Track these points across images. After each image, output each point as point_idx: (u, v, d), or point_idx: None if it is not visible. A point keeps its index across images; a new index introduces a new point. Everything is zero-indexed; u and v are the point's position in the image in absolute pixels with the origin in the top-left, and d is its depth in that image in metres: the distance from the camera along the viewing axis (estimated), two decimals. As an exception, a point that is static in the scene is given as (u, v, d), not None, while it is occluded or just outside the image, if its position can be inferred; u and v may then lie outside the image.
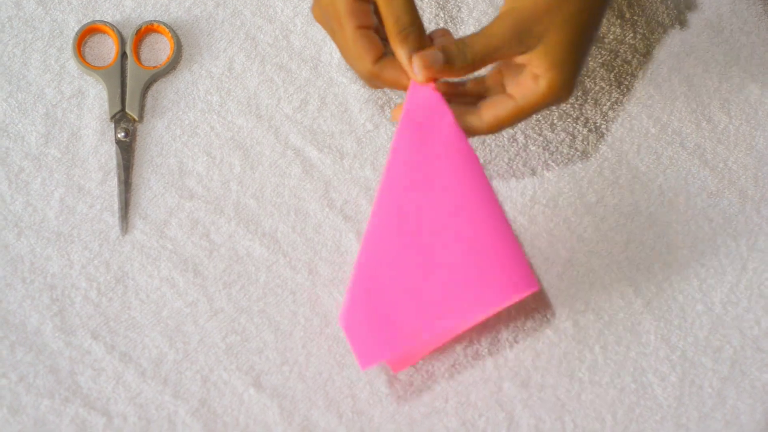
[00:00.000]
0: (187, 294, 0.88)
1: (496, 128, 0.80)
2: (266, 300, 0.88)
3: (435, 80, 0.79)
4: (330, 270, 0.89)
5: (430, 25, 0.96)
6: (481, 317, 0.79)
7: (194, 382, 0.86)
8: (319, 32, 0.95)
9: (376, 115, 0.93)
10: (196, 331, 0.88)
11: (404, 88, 0.79)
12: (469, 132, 0.80)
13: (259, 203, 0.91)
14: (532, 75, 0.79)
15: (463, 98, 0.82)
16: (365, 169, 0.92)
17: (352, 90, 0.94)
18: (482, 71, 0.81)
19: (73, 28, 0.94)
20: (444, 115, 0.79)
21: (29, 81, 0.93)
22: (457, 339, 0.87)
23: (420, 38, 0.78)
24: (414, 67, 0.78)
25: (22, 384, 0.86)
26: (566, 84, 0.79)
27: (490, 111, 0.80)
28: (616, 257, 0.90)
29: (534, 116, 0.92)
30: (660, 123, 0.94)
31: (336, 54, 0.95)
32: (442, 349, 0.87)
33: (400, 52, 0.78)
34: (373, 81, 0.80)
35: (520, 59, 0.79)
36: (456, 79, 0.81)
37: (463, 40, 0.79)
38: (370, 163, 0.92)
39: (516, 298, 0.77)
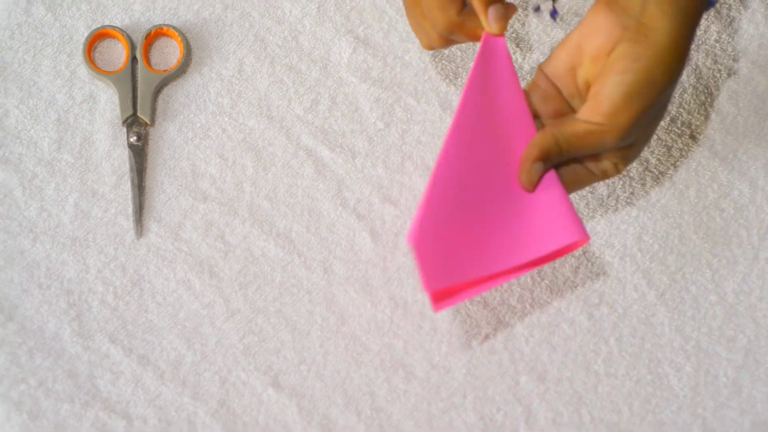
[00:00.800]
0: (203, 295, 0.88)
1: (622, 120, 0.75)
2: (282, 300, 0.88)
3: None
4: (345, 269, 0.88)
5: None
6: (538, 259, 0.76)
7: (213, 383, 0.86)
8: (327, 32, 0.94)
9: (387, 114, 0.93)
10: (213, 332, 0.87)
11: (478, 39, 0.78)
12: (598, 140, 0.76)
13: (272, 204, 0.90)
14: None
15: None
16: (377, 167, 0.91)
17: (362, 89, 0.93)
18: None
19: (82, 34, 0.93)
20: (508, 64, 0.77)
21: (40, 87, 0.92)
22: (472, 334, 0.87)
23: None
24: (524, 184, 0.76)
25: (42, 389, 0.85)
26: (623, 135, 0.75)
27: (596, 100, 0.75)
28: (629, 249, 0.89)
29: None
30: (669, 115, 0.93)
31: (345, 53, 0.94)
32: (458, 345, 0.86)
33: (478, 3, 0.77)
34: (453, 33, 0.78)
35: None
36: None
37: (556, 138, 0.75)
38: (382, 161, 0.91)
39: (569, 245, 0.75)
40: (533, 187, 0.75)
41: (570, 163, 0.77)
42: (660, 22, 0.73)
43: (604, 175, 0.77)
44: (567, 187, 0.77)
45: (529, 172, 0.75)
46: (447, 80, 0.93)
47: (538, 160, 0.75)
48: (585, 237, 0.74)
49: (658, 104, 0.74)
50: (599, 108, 0.74)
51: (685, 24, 0.74)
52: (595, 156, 0.76)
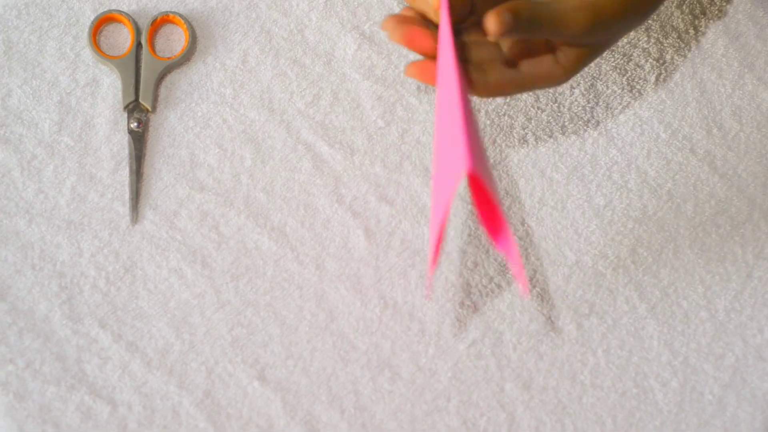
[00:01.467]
0: (194, 285, 0.87)
1: (494, 92, 0.76)
2: (273, 294, 0.86)
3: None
4: (337, 266, 0.87)
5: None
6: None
7: (199, 373, 0.85)
8: (333, 27, 0.93)
9: (388, 113, 0.91)
10: (202, 322, 0.86)
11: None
12: (472, 88, 0.76)
13: (268, 197, 0.89)
14: (554, 55, 0.77)
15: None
16: (375, 166, 0.90)
17: (365, 86, 0.92)
18: None
19: (89, 17, 0.92)
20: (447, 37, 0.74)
21: (44, 68, 0.91)
22: (460, 338, 0.85)
23: None
24: (489, 24, 0.72)
25: (29, 370, 0.84)
26: (574, 74, 0.77)
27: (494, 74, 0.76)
28: (623, 261, 0.88)
29: (545, 118, 0.90)
30: (671, 128, 0.91)
31: (349, 49, 0.92)
32: (445, 348, 0.85)
33: None
34: None
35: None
36: None
37: (535, 7, 0.73)
38: (381, 160, 0.90)
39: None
40: (500, 29, 0.72)
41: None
42: None
43: (549, 77, 0.76)
44: (509, 87, 0.75)
45: (498, 13, 0.72)
46: (450, 81, 0.92)
47: (509, 11, 0.72)
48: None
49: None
50: None
51: None
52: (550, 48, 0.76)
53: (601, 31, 0.75)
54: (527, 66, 0.77)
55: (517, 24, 0.72)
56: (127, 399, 0.84)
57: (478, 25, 0.76)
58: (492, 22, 0.72)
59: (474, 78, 0.76)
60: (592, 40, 0.76)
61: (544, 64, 0.77)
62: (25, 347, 0.85)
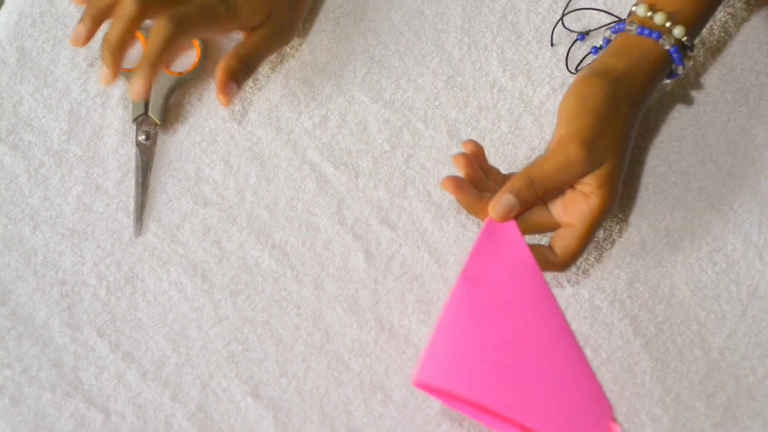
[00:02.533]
0: (193, 299, 0.84)
1: (570, 258, 0.80)
2: (270, 311, 0.84)
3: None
4: (336, 286, 0.85)
5: (453, 50, 0.91)
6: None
7: (193, 386, 0.82)
8: (344, 50, 0.91)
9: (395, 137, 0.89)
10: (199, 336, 0.83)
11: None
12: (546, 267, 0.79)
13: (271, 215, 0.86)
14: (581, 193, 0.79)
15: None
16: (379, 189, 0.87)
17: (373, 110, 0.89)
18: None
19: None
20: (521, 248, 0.78)
21: (56, 77, 0.89)
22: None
23: None
24: (492, 215, 0.78)
25: (25, 375, 0.82)
26: (616, 195, 0.80)
27: (559, 243, 0.79)
28: (619, 295, 0.85)
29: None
30: (667, 162, 0.89)
31: (359, 72, 0.90)
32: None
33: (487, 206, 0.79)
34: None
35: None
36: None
37: (528, 175, 0.78)
38: (385, 183, 0.87)
39: None
40: (500, 217, 0.77)
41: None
42: (612, 65, 0.81)
43: (584, 223, 0.79)
44: (564, 257, 0.80)
45: (498, 200, 0.77)
46: (457, 107, 0.90)
47: (509, 192, 0.77)
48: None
49: (612, 115, 0.78)
50: (559, 126, 0.79)
51: (638, 66, 0.81)
52: (573, 190, 0.80)
53: (596, 157, 0.78)
54: (565, 214, 0.80)
55: (524, 202, 0.78)
56: (120, 409, 0.82)
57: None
58: (497, 214, 0.78)
59: (545, 255, 0.80)
60: (595, 165, 0.78)
61: (577, 203, 0.79)
62: (23, 352, 0.82)
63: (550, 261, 0.79)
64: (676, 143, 0.89)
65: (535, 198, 0.78)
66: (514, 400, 0.73)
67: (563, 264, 0.79)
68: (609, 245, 0.87)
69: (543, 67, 0.91)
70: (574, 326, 0.84)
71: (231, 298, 0.84)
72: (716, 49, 0.92)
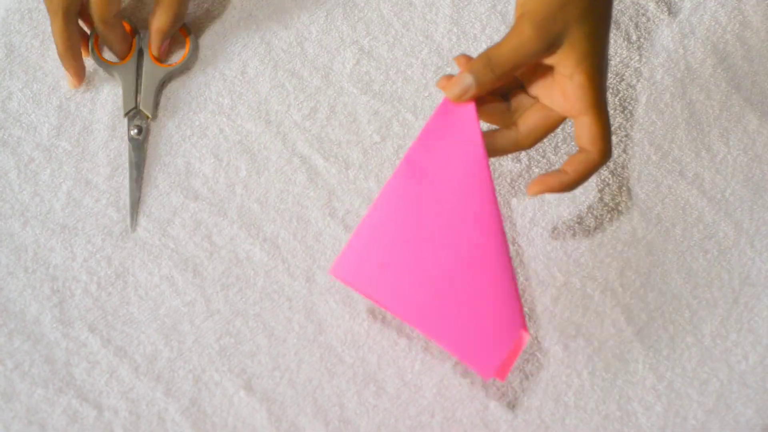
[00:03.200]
0: (185, 293, 0.83)
1: (603, 145, 0.74)
2: (262, 305, 0.83)
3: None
4: (327, 279, 0.83)
5: (443, 40, 0.90)
6: (434, 341, 0.75)
7: (186, 381, 0.81)
8: (333, 41, 0.89)
9: (384, 128, 0.88)
10: (191, 330, 0.82)
11: None
12: (582, 169, 0.75)
13: (262, 208, 0.85)
14: (563, 76, 0.74)
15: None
16: (369, 180, 0.86)
17: (362, 101, 0.88)
18: None
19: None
20: (474, 138, 0.73)
21: (45, 72, 0.87)
22: (447, 355, 0.82)
23: None
24: (447, 94, 0.74)
25: (17, 372, 0.81)
26: (599, 74, 0.74)
27: (582, 140, 0.74)
28: (611, 284, 0.84)
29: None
30: (661, 150, 0.88)
31: (348, 63, 0.89)
32: (431, 364, 0.82)
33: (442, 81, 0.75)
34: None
35: (547, 62, 0.74)
36: None
37: (487, 55, 0.73)
38: (375, 175, 0.86)
39: (472, 367, 0.73)
40: (456, 96, 0.73)
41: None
42: None
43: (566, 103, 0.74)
44: (527, 136, 0.75)
45: (455, 79, 0.73)
46: (447, 99, 0.88)
47: (467, 71, 0.73)
48: (498, 375, 0.72)
49: None
50: (516, 7, 0.74)
51: None
52: (539, 77, 0.75)
53: (553, 31, 0.73)
54: (547, 96, 0.76)
55: (480, 81, 0.73)
56: (113, 404, 0.80)
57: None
58: (451, 92, 0.74)
59: (511, 136, 0.76)
60: (555, 42, 0.74)
61: (561, 84, 0.75)
62: (15, 349, 0.81)
63: (582, 161, 0.75)
64: (669, 131, 0.88)
65: (493, 80, 0.73)
66: (422, 310, 0.71)
67: (600, 153, 0.74)
68: (600, 234, 0.85)
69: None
70: (566, 315, 0.83)
71: (222, 291, 0.83)
72: (706, 38, 0.91)
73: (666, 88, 0.89)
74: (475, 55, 0.76)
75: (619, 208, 0.86)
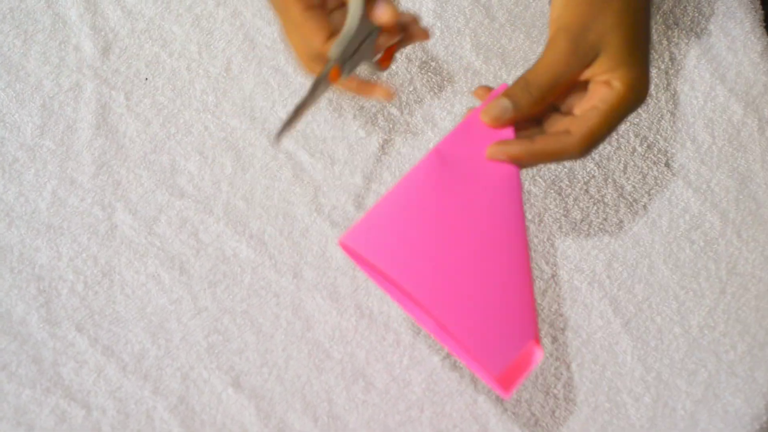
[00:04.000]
0: (172, 291, 0.82)
1: (589, 140, 0.71)
2: (250, 301, 0.82)
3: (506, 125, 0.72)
4: (314, 275, 0.83)
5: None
6: (441, 341, 0.71)
7: (174, 378, 0.80)
8: (317, 37, 0.89)
9: (369, 123, 0.87)
10: (179, 328, 0.81)
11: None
12: (563, 152, 0.71)
13: (248, 205, 0.84)
14: (602, 84, 0.71)
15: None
16: (355, 176, 0.85)
17: (347, 97, 0.87)
18: None
19: (74, 22, 0.87)
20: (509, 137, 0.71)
21: (28, 72, 0.86)
22: (435, 349, 0.81)
23: None
24: (483, 117, 0.71)
25: (5, 372, 0.80)
26: (640, 78, 0.71)
27: (578, 125, 0.71)
28: (598, 276, 0.84)
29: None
30: (647, 142, 0.87)
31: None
32: (420, 359, 0.81)
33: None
34: (320, 61, 0.72)
35: (584, 76, 0.72)
36: None
37: (525, 78, 0.70)
38: (360, 170, 0.86)
39: (481, 376, 0.69)
40: (492, 121, 0.70)
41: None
42: None
43: (606, 103, 0.71)
44: (583, 138, 0.70)
45: (492, 103, 0.70)
46: (431, 92, 0.88)
47: (503, 95, 0.70)
48: (504, 392, 0.67)
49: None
50: (550, 25, 0.71)
51: None
52: (578, 93, 0.72)
53: (588, 44, 0.71)
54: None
55: (518, 106, 0.70)
56: (101, 403, 0.80)
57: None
58: (488, 118, 0.70)
59: (562, 140, 0.72)
60: (591, 54, 0.71)
61: (600, 92, 0.72)
62: (2, 349, 0.80)
63: (561, 143, 0.70)
64: (654, 123, 0.88)
65: (531, 102, 0.71)
66: (435, 292, 0.67)
67: (580, 144, 0.70)
68: (587, 226, 0.85)
69: (517, 50, 0.89)
70: (554, 308, 0.83)
71: (210, 289, 0.82)
72: (690, 29, 0.90)
73: (650, 80, 0.89)
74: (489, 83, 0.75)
75: (605, 200, 0.86)
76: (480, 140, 0.70)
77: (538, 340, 0.67)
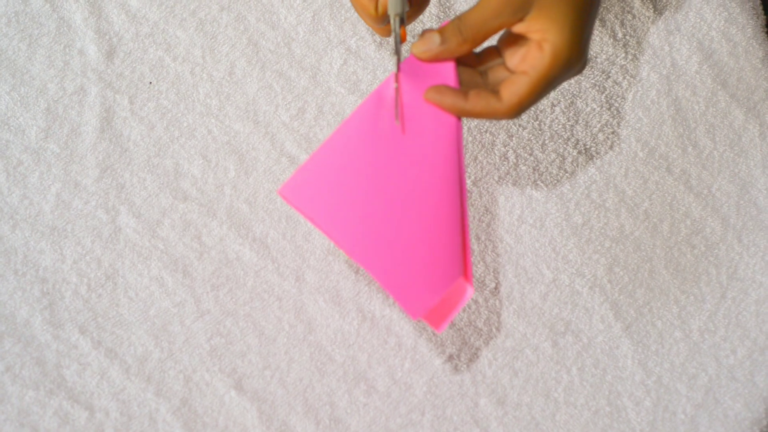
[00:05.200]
0: (175, 294, 0.82)
1: (517, 107, 0.72)
2: (252, 304, 0.82)
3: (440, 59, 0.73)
4: (317, 278, 0.83)
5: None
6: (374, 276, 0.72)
7: (177, 381, 0.80)
8: (320, 42, 0.89)
9: (371, 127, 0.87)
10: (182, 331, 0.82)
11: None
12: (492, 115, 0.72)
13: (251, 208, 0.85)
14: (535, 44, 0.71)
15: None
16: (357, 179, 0.85)
17: (350, 100, 0.87)
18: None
19: (79, 26, 0.87)
20: (451, 82, 0.72)
21: (33, 76, 0.87)
22: (437, 353, 0.81)
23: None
24: (411, 49, 0.72)
25: (8, 374, 0.80)
26: (572, 45, 0.71)
27: (508, 90, 0.72)
28: (599, 280, 0.84)
29: (526, 135, 0.86)
30: (648, 147, 0.87)
31: (335, 64, 0.88)
32: (421, 362, 0.81)
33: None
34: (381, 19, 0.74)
35: (517, 29, 0.72)
36: None
37: (459, 18, 0.72)
38: (363, 174, 0.86)
39: (401, 304, 0.70)
40: (420, 53, 0.72)
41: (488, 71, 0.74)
42: None
43: (536, 70, 0.71)
44: (511, 106, 0.71)
45: (423, 38, 0.72)
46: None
47: (438, 31, 0.72)
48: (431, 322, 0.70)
49: None
50: None
51: None
52: (516, 46, 0.73)
53: None
54: (520, 65, 0.72)
55: (446, 41, 0.72)
56: (104, 405, 0.80)
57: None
58: (416, 50, 0.72)
59: (491, 104, 0.73)
60: (524, 7, 0.71)
61: (531, 53, 0.72)
62: (5, 351, 0.80)
63: (491, 106, 0.71)
64: (656, 128, 0.88)
65: (461, 40, 0.72)
66: (363, 242, 0.70)
67: (508, 110, 0.71)
68: (588, 231, 0.85)
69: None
70: (554, 312, 0.83)
71: (212, 292, 0.82)
72: (692, 35, 0.90)
73: (652, 85, 0.89)
74: None
75: (607, 205, 0.86)
76: (420, 83, 0.72)
77: (468, 277, 0.69)
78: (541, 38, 0.71)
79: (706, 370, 0.82)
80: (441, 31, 0.72)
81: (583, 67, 0.73)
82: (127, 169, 0.85)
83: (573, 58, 0.71)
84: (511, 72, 0.73)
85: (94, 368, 0.80)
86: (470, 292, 0.70)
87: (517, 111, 0.72)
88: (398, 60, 0.73)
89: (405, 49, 0.88)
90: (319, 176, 0.70)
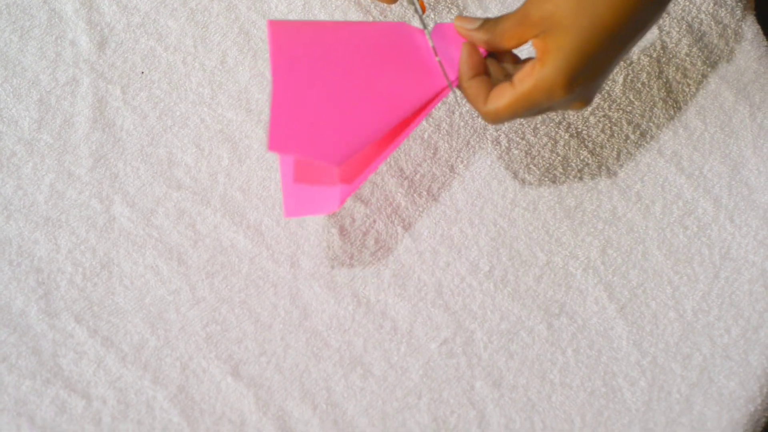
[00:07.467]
0: (170, 282, 0.82)
1: (494, 114, 0.72)
2: (248, 291, 0.82)
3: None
4: (312, 264, 0.82)
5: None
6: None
7: (174, 368, 0.80)
8: (311, 29, 0.88)
9: (364, 113, 0.87)
10: (177, 318, 0.81)
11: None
12: (476, 109, 0.74)
13: (245, 196, 0.84)
14: (532, 62, 0.72)
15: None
16: (350, 165, 0.85)
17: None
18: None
19: (70, 17, 0.87)
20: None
21: (25, 67, 0.86)
22: (432, 336, 0.81)
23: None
24: (455, 20, 0.75)
25: (5, 364, 0.80)
26: (558, 73, 0.70)
27: (493, 96, 0.73)
28: (593, 262, 0.83)
29: (518, 119, 0.86)
30: (639, 129, 0.87)
31: (327, 51, 0.88)
32: (417, 346, 0.81)
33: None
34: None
35: (534, 44, 0.72)
36: None
37: (498, 18, 0.74)
38: (356, 160, 0.85)
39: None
40: (459, 29, 0.75)
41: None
42: None
43: (521, 86, 0.72)
44: (488, 114, 0.74)
45: (470, 19, 0.75)
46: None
47: (482, 20, 0.75)
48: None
49: None
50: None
51: None
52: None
53: (541, 9, 0.72)
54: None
55: (481, 29, 0.74)
56: (101, 393, 0.79)
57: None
58: (458, 23, 0.75)
59: (478, 106, 0.75)
60: (536, 23, 0.72)
61: (527, 68, 0.72)
62: (1, 341, 0.80)
63: (478, 105, 0.74)
64: (647, 111, 0.88)
65: (487, 39, 0.74)
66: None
67: (485, 113, 0.73)
68: (581, 213, 0.85)
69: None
70: (549, 294, 0.82)
71: (207, 279, 0.82)
72: (681, 18, 0.90)
73: (643, 68, 0.89)
74: None
75: (599, 188, 0.86)
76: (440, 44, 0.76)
77: (345, 196, 0.73)
78: (540, 58, 0.71)
79: (700, 350, 0.82)
80: (484, 21, 0.74)
81: (574, 101, 0.72)
82: (120, 159, 0.84)
83: (555, 87, 0.70)
84: (511, 80, 0.73)
85: (90, 357, 0.80)
86: (334, 208, 0.74)
87: (493, 117, 0.73)
88: (423, 26, 0.77)
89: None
90: (291, 113, 0.71)
